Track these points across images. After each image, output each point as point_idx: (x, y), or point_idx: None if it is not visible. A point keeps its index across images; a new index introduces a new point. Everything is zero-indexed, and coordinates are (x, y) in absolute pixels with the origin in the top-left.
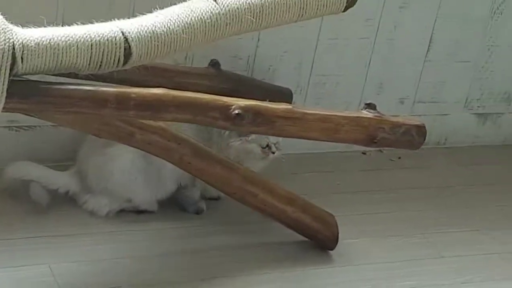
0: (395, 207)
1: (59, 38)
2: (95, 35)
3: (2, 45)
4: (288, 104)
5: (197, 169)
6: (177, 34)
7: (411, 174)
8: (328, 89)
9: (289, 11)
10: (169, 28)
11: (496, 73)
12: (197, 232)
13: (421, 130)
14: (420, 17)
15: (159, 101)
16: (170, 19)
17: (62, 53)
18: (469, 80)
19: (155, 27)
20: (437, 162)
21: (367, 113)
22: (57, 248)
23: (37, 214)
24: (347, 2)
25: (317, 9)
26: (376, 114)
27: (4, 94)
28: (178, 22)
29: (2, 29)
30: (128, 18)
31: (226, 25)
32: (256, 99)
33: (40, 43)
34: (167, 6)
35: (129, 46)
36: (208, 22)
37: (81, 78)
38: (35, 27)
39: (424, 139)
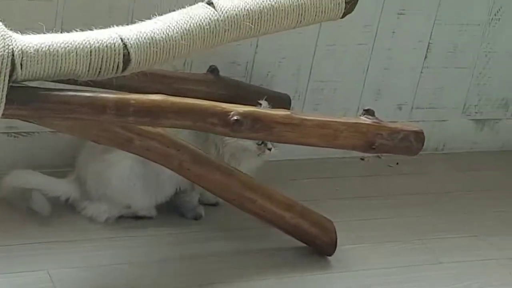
0: (393, 213)
1: (58, 44)
2: (94, 42)
3: (1, 51)
4: (286, 110)
5: (196, 175)
6: (176, 41)
7: (409, 180)
8: (326, 95)
9: (287, 18)
10: (168, 35)
11: (493, 79)
12: (195, 238)
13: (419, 136)
14: (418, 24)
15: (158, 107)
16: (169, 26)
17: (61, 59)
18: (467, 86)
19: (154, 33)
20: (435, 168)
21: (365, 119)
22: (56, 254)
23: (36, 220)
24: (345, 9)
25: (315, 15)
26: (375, 120)
27: (4, 100)
28: (177, 29)
29: (2, 35)
30: (127, 24)
31: (225, 31)
32: (255, 105)
33: (40, 50)
34: (166, 13)
35: (128, 53)
36: (207, 29)
37: (80, 85)
38: (34, 34)
39: (422, 145)
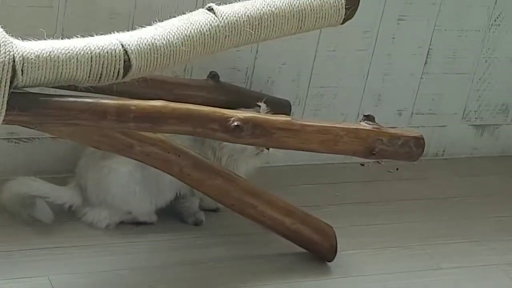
0: (394, 219)
1: (59, 50)
2: (94, 48)
3: (2, 57)
4: (287, 116)
5: (196, 181)
6: (176, 47)
7: (409, 186)
8: (326, 101)
9: (287, 24)
10: (169, 41)
11: (493, 85)
12: (196, 244)
13: (419, 141)
14: (418, 29)
15: (159, 113)
16: (169, 32)
17: (62, 65)
18: (467, 91)
19: (155, 39)
20: (435, 174)
21: (365, 125)
22: (57, 260)
23: (37, 226)
24: (345, 15)
25: (315, 21)
26: (375, 126)
27: (4, 106)
28: (178, 35)
29: (3, 42)
30: (128, 30)
31: (225, 37)
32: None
33: (40, 56)
34: (166, 19)
35: (129, 59)
36: (207, 35)
37: (81, 91)
38: (35, 40)
39: (423, 150)
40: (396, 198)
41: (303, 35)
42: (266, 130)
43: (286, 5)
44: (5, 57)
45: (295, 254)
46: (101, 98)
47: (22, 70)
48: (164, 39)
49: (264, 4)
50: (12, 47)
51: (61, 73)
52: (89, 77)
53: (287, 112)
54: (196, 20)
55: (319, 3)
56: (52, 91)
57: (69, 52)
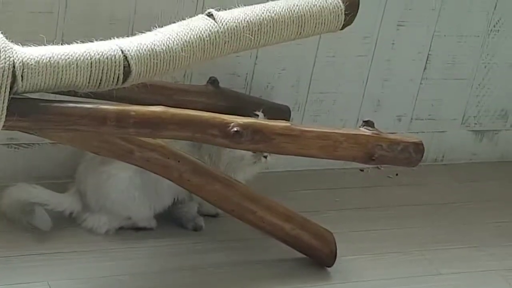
0: (393, 224)
1: (59, 56)
2: (94, 53)
3: (2, 63)
4: (286, 121)
5: (196, 186)
6: (176, 52)
7: (408, 191)
8: (326, 107)
9: (287, 29)
10: (168, 46)
11: (493, 90)
12: (195, 249)
13: (418, 147)
14: (418, 35)
15: (159, 119)
16: (169, 38)
17: (62, 71)
18: (466, 97)
19: (154, 45)
20: (435, 179)
21: (365, 131)
22: (56, 266)
23: (36, 232)
24: (344, 20)
25: (315, 27)
26: (374, 132)
27: (4, 112)
28: (177, 40)
29: (3, 47)
30: (128, 36)
31: (225, 43)
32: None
33: (40, 62)
34: (166, 25)
35: (129, 64)
36: (207, 40)
37: (80, 96)
38: (35, 46)
39: (422, 156)
40: (396, 203)
41: (303, 41)
42: (266, 135)
43: (286, 11)
44: (5, 62)
45: (295, 259)
46: (101, 104)
47: (22, 76)
48: (163, 44)
49: (264, 10)
50: (12, 52)
51: (61, 78)
52: (89, 82)
53: (287, 118)
54: (195, 26)
55: (319, 9)
56: (52, 96)
57: (69, 58)
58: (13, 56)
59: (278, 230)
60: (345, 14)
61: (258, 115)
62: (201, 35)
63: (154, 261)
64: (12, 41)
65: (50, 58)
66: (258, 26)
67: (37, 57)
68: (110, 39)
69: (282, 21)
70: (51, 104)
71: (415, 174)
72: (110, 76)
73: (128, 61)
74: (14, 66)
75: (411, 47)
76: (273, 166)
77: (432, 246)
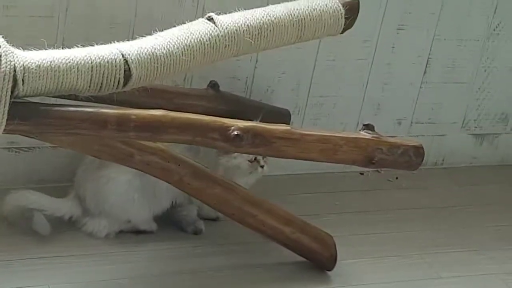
0: (393, 228)
1: (60, 60)
2: (95, 57)
3: (3, 67)
4: (286, 125)
5: (196, 190)
6: (176, 56)
7: (408, 195)
8: (326, 110)
9: (287, 33)
10: (169, 50)
11: (493, 94)
12: (195, 253)
13: (418, 151)
14: (418, 39)
15: (159, 123)
16: (169, 41)
17: (63, 75)
18: (466, 101)
19: (155, 49)
20: (435, 183)
21: (365, 134)
22: (57, 269)
23: (36, 235)
24: (344, 24)
25: (315, 31)
26: (374, 135)
27: (5, 116)
28: (178, 44)
29: (4, 51)
30: (128, 40)
31: (225, 47)
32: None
33: (41, 66)
34: (166, 29)
35: (129, 68)
36: (207, 44)
37: (81, 100)
38: (36, 50)
39: (422, 160)
40: (396, 207)
41: (303, 45)
42: (266, 139)
43: (286, 14)
44: (6, 67)
45: (295, 263)
46: (101, 108)
47: (23, 80)
48: (164, 48)
49: (264, 14)
50: (13, 57)
51: (62, 82)
52: (89, 86)
53: (287, 122)
54: (196, 29)
55: (319, 12)
56: (52, 100)
57: (69, 62)
58: (14, 60)
59: (278, 234)
60: (345, 18)
61: None
62: (201, 39)
63: (154, 265)
64: (13, 45)
65: (51, 62)
66: (258, 30)
67: (38, 61)
68: (111, 43)
69: (282, 25)
70: (52, 108)
71: (415, 178)
72: (110, 80)
73: (128, 65)
74: (15, 70)
75: (411, 51)
76: (272, 170)
77: (432, 250)
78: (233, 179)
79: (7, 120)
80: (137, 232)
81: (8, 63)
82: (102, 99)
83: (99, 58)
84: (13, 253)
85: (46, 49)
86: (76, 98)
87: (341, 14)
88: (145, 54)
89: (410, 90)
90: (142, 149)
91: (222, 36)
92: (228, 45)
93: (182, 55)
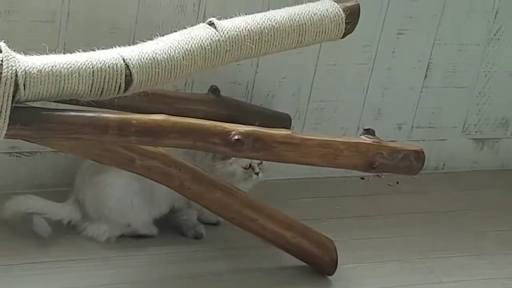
0: (394, 232)
1: (61, 65)
2: (96, 62)
3: (5, 72)
4: (287, 129)
5: (197, 194)
6: (177, 61)
7: (409, 199)
8: (326, 115)
9: (288, 38)
10: (170, 55)
11: (493, 98)
12: (196, 257)
13: (419, 155)
14: (418, 43)
15: (160, 127)
16: (170, 46)
17: (64, 80)
18: (466, 105)
19: (156, 54)
20: (435, 187)
21: (366, 139)
22: (57, 273)
23: (36, 240)
24: (345, 29)
25: (315, 35)
26: (375, 140)
27: (7, 120)
28: (179, 49)
29: (5, 56)
30: (129, 45)
31: (226, 51)
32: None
33: (42, 70)
34: (167, 33)
35: (130, 73)
36: (208, 49)
37: (82, 105)
38: (37, 55)
39: (423, 164)
40: (396, 211)
41: (304, 49)
42: (267, 144)
43: (287, 19)
44: (7, 71)
45: (296, 267)
46: (102, 112)
47: (24, 85)
48: (165, 53)
49: (265, 19)
50: (15, 61)
51: (63, 87)
52: (90, 91)
53: (288, 126)
54: (197, 34)
55: (319, 17)
56: (54, 105)
57: (71, 67)
58: (15, 65)
59: (279, 238)
60: (345, 22)
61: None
62: (202, 44)
63: (154, 269)
64: (14, 50)
65: (52, 67)
66: (259, 34)
67: (40, 66)
68: (112, 48)
69: (283, 30)
70: (53, 112)
71: (415, 182)
72: (111, 85)
73: (129, 70)
74: (16, 75)
75: (412, 56)
76: (272, 175)
77: (433, 254)
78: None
79: (8, 125)
80: (138, 236)
81: (10, 68)
82: (103, 104)
83: (100, 63)
84: (14, 257)
85: (47, 54)
86: (77, 103)
87: (341, 19)
88: (146, 59)
89: (410, 95)
90: (143, 154)
91: (223, 41)
92: (229, 50)
93: (183, 60)
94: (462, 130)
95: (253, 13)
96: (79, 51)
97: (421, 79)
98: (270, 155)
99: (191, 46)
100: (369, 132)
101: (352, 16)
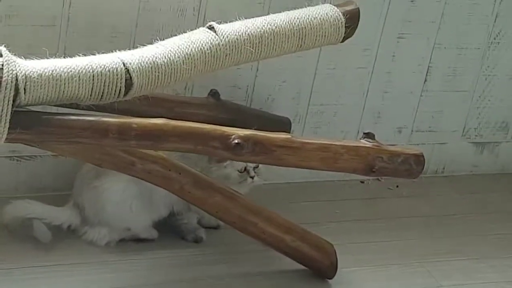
0: (394, 236)
1: (61, 69)
2: (96, 66)
3: (5, 76)
4: (287, 133)
5: (197, 198)
6: (177, 65)
7: (409, 203)
8: (326, 118)
9: (288, 42)
10: (170, 59)
11: (493, 102)
12: (196, 261)
13: (419, 159)
14: (418, 47)
15: (160, 131)
16: (170, 50)
17: (64, 84)
18: (466, 109)
19: (156, 58)
20: (435, 191)
21: (365, 143)
22: (57, 278)
23: (36, 244)
24: (345, 33)
25: (315, 39)
26: (375, 144)
27: (7, 125)
28: (179, 53)
29: (6, 60)
30: (129, 49)
31: (226, 55)
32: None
33: (43, 75)
34: (167, 38)
35: (130, 77)
36: (208, 53)
37: (82, 109)
38: (37, 59)
39: (423, 168)
40: (396, 215)
41: (303, 53)
42: (267, 147)
43: (287, 23)
44: (8, 76)
45: (296, 271)
46: (102, 116)
47: (24, 89)
48: (165, 57)
49: (265, 23)
50: (15, 66)
51: (64, 91)
52: (91, 95)
53: (287, 130)
54: (197, 38)
55: (319, 21)
56: (54, 109)
57: (71, 71)
58: (16, 69)
59: (279, 242)
60: (345, 26)
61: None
62: (202, 48)
63: (154, 273)
64: (15, 54)
65: (52, 71)
66: (259, 38)
67: (40, 70)
68: (112, 52)
69: (282, 34)
70: (54, 116)
71: (415, 186)
72: (112, 89)
73: (130, 74)
74: (17, 79)
75: (412, 59)
76: (272, 178)
77: (433, 258)
78: None
79: (9, 129)
80: (138, 240)
81: (10, 72)
82: (103, 108)
83: (101, 67)
84: (14, 261)
85: (48, 58)
86: (77, 107)
87: (341, 23)
88: (146, 63)
89: (410, 99)
90: (143, 158)
91: (223, 45)
92: (229, 54)
93: (183, 64)
94: (462, 133)
95: (253, 17)
96: (79, 55)
97: (421, 83)
98: (270, 159)
99: (191, 50)
100: (369, 136)
101: (352, 20)
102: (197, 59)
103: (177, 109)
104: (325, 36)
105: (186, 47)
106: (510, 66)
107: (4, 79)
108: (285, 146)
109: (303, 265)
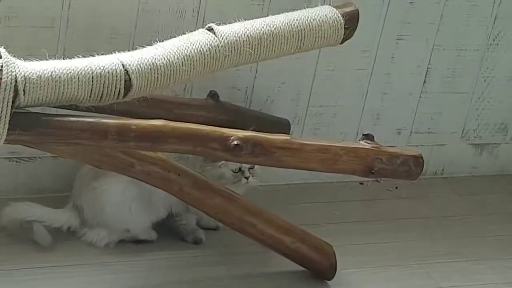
0: (393, 237)
1: (61, 70)
2: (96, 68)
3: (4, 78)
4: (286, 135)
5: (196, 200)
6: (176, 66)
7: (408, 204)
8: (325, 120)
9: (287, 43)
10: (169, 60)
11: (492, 103)
12: (195, 262)
13: (418, 160)
14: (417, 49)
15: (159, 133)
16: (169, 52)
17: (64, 85)
18: (465, 110)
19: (155, 59)
20: (434, 192)
21: (364, 144)
22: (57, 279)
23: (37, 245)
24: (344, 34)
25: (314, 41)
26: (374, 145)
27: (6, 126)
28: (178, 55)
29: (5, 62)
30: (128, 51)
31: (225, 57)
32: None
33: (42, 76)
34: (166, 39)
35: (130, 78)
36: (207, 54)
37: (82, 110)
38: (37, 60)
39: (422, 169)
40: (395, 216)
41: (303, 55)
42: (266, 149)
43: (286, 25)
44: (7, 77)
45: (295, 272)
46: (102, 118)
47: (24, 90)
48: (164, 59)
49: (264, 24)
50: (14, 67)
51: (63, 93)
52: (90, 96)
53: (287, 131)
54: (196, 40)
55: (318, 23)
56: (53, 111)
57: (70, 72)
58: (15, 71)
59: (278, 243)
60: (344, 28)
61: None
62: (201, 49)
63: (153, 274)
64: (14, 56)
65: (52, 72)
66: (258, 40)
67: (39, 72)
68: (111, 53)
69: (282, 35)
70: (53, 118)
71: (414, 187)
72: (111, 90)
73: (129, 75)
74: (16, 81)
75: (411, 61)
76: (271, 180)
77: (432, 259)
78: None
79: (8, 130)
80: (137, 241)
81: (9, 73)
82: (103, 109)
83: (100, 68)
84: (14, 262)
85: (47, 59)
86: (76, 108)
87: (340, 24)
88: (146, 64)
89: (409, 100)
90: (142, 159)
91: (222, 46)
92: (228, 55)
93: (182, 65)
94: (461, 135)
95: (252, 19)
96: (78, 57)
97: (420, 84)
98: (269, 160)
99: (190, 51)
100: (368, 137)
101: (351, 22)
102: (196, 60)
103: (176, 110)
104: (324, 37)
105: (185, 49)
106: (509, 67)
107: (3, 80)
108: (284, 147)
109: (302, 267)
